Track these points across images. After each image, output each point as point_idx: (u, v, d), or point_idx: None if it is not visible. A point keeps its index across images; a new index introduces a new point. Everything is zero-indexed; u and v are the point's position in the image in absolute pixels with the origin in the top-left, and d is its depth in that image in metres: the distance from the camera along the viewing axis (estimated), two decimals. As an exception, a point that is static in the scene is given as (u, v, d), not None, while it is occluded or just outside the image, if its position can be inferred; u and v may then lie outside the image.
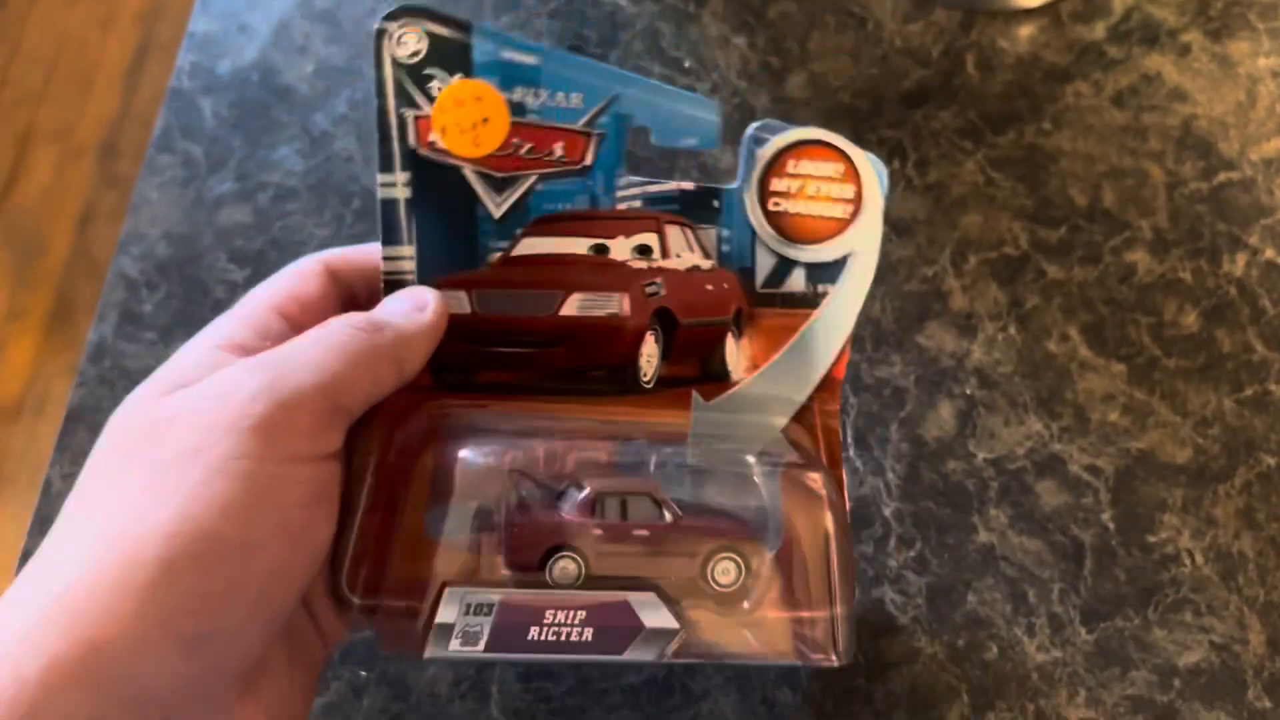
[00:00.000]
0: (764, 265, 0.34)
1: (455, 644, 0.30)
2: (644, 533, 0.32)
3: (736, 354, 0.34)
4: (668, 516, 0.32)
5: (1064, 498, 0.39)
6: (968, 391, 0.41)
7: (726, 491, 0.33)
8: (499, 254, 0.33)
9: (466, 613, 0.31)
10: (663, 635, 0.31)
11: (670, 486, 0.32)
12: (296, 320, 0.31)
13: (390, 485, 0.31)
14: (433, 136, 0.32)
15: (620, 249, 0.34)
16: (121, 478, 0.27)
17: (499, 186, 0.33)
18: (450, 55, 0.32)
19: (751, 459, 0.33)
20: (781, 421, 0.33)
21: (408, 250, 0.33)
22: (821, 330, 0.33)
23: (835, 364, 0.33)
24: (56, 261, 1.35)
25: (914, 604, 0.38)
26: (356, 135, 0.47)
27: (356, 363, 0.29)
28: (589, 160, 0.33)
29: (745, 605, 0.32)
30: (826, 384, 0.33)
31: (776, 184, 0.33)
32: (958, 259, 0.44)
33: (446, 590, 0.30)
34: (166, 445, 0.27)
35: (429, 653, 0.30)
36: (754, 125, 0.33)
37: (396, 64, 0.32)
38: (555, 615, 0.31)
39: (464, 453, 0.32)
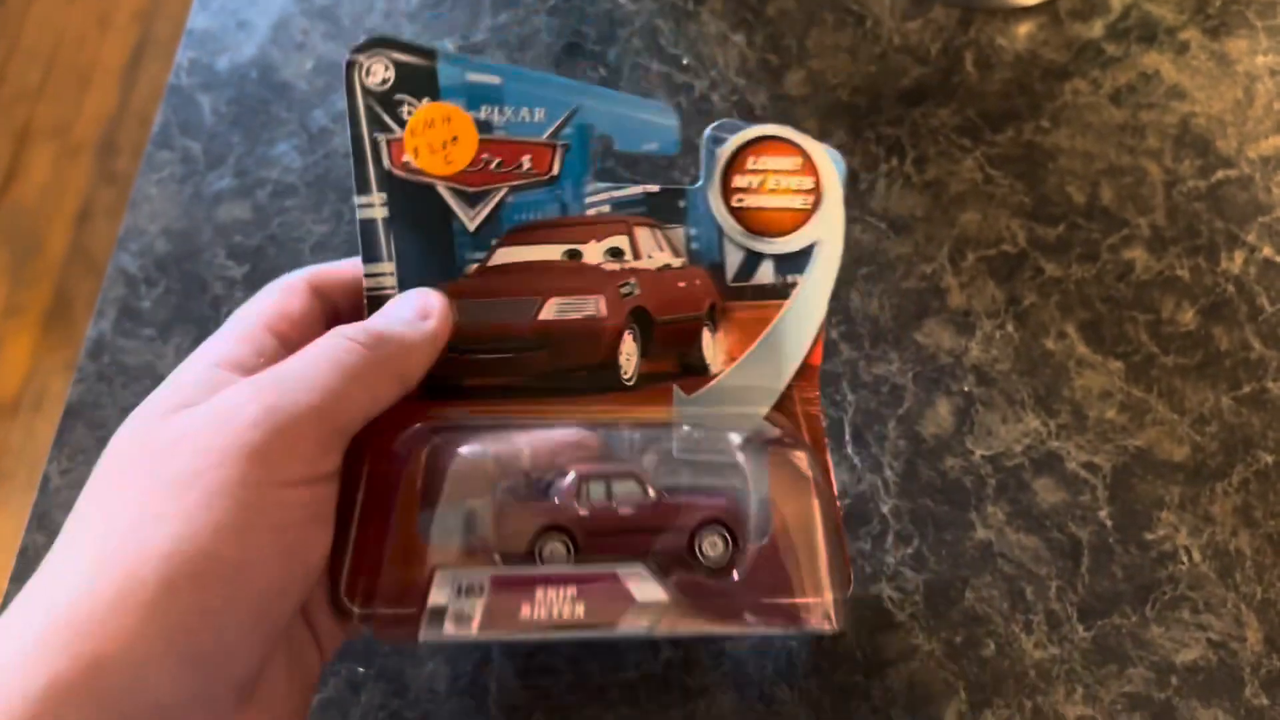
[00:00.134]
0: (733, 260, 0.35)
1: (449, 627, 0.31)
2: (629, 511, 0.32)
3: (714, 347, 0.35)
4: (652, 494, 0.33)
5: (1061, 495, 0.39)
6: (965, 389, 0.41)
7: (710, 472, 0.34)
8: (476, 265, 0.34)
9: (458, 594, 0.31)
10: (653, 608, 0.31)
11: (654, 471, 0.33)
12: (287, 337, 0.32)
13: (384, 493, 0.32)
14: (406, 157, 0.33)
15: (593, 253, 0.35)
16: (121, 498, 0.27)
17: (472, 200, 0.34)
18: (417, 81, 0.33)
19: (735, 438, 0.34)
20: (762, 410, 0.34)
21: (388, 267, 0.34)
22: (793, 319, 0.34)
23: (810, 351, 0.34)
24: (54, 258, 1.35)
25: (911, 601, 0.38)
26: (355, 132, 0.47)
27: (355, 379, 0.29)
28: (555, 170, 0.34)
29: (735, 577, 0.32)
30: (804, 372, 0.34)
31: (738, 180, 0.34)
32: (956, 257, 0.44)
33: (437, 573, 0.31)
34: (167, 467, 0.27)
35: (423, 637, 0.30)
36: (712, 126, 0.34)
37: (367, 92, 0.33)
38: (546, 592, 0.31)
39: (454, 456, 0.33)
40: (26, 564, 0.39)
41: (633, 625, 0.31)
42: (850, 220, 0.44)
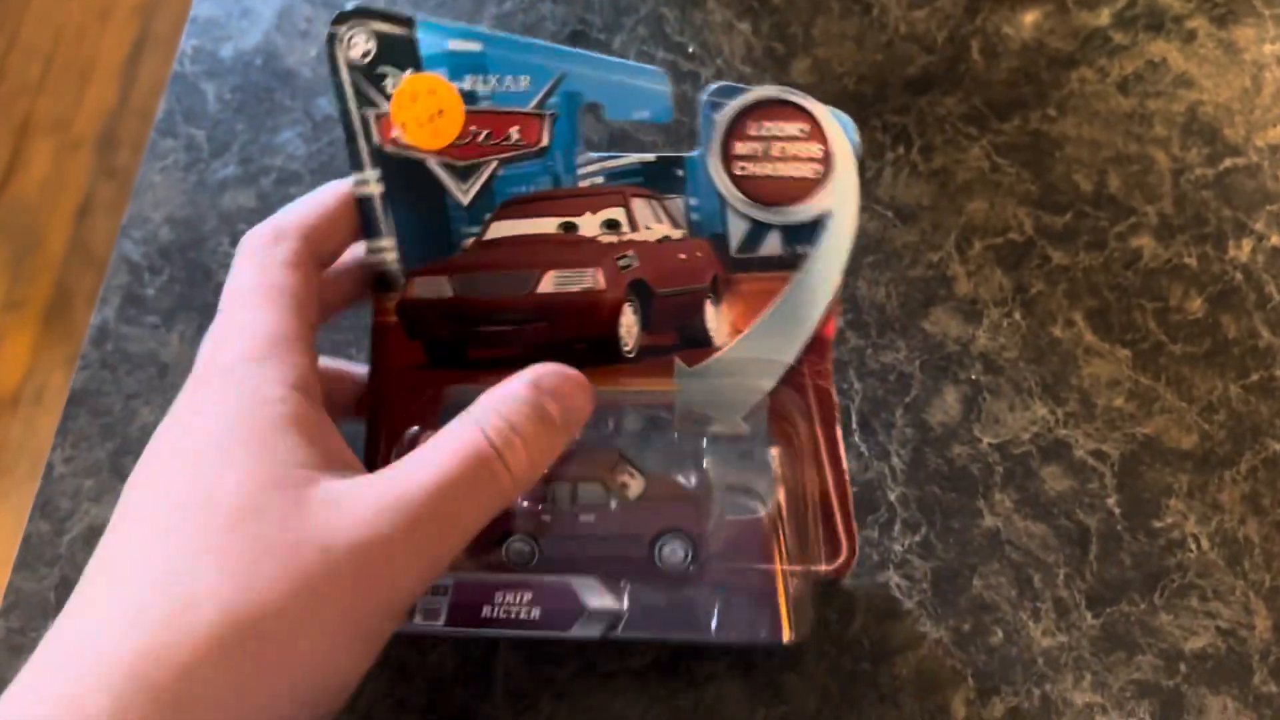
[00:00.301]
0: (737, 231, 0.34)
1: (419, 619, 0.33)
2: (590, 518, 0.33)
3: (717, 320, 0.34)
4: (613, 505, 0.33)
5: (1069, 483, 0.39)
6: (973, 377, 0.41)
7: (680, 465, 0.34)
8: (472, 239, 0.34)
9: (428, 592, 0.33)
10: (605, 615, 0.33)
11: (635, 452, 0.34)
12: (304, 306, 0.32)
13: None
14: (395, 133, 0.33)
15: (589, 225, 0.34)
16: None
17: (463, 175, 0.34)
18: (399, 51, 0.32)
19: (704, 442, 0.34)
20: (768, 384, 0.34)
21: (389, 242, 0.34)
22: (805, 291, 0.33)
23: (823, 324, 0.33)
24: (54, 253, 1.34)
25: (919, 589, 0.38)
26: (359, 120, 0.47)
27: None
28: (545, 141, 0.33)
29: (694, 585, 0.33)
30: (815, 345, 0.34)
31: (740, 148, 0.33)
32: (963, 245, 0.43)
33: None
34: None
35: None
36: (709, 89, 0.33)
37: (351, 66, 0.33)
38: (504, 596, 0.33)
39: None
40: (29, 552, 0.39)
41: (584, 631, 0.33)
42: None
